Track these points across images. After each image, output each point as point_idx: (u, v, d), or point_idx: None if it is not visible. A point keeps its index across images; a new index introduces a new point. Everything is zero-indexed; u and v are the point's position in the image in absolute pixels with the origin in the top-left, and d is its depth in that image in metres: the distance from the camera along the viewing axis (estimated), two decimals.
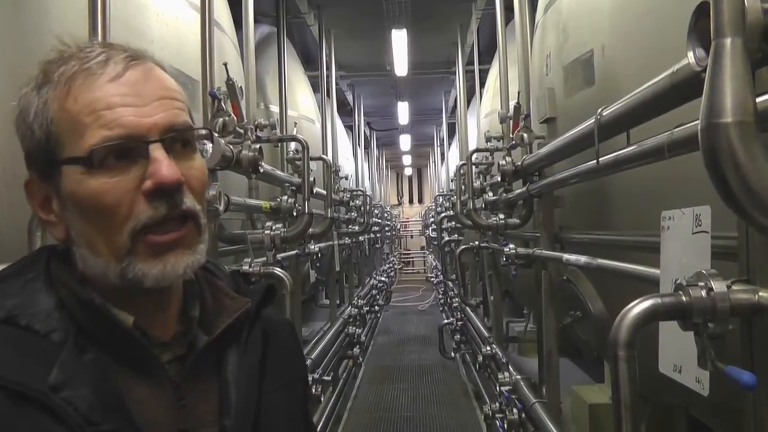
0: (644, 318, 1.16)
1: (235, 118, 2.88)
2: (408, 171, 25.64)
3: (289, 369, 1.12)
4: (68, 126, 0.89)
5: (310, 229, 3.87)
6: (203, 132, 0.97)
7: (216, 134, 2.68)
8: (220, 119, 2.80)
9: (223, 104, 2.83)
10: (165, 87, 0.93)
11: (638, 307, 1.17)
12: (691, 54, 1.14)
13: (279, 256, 3.43)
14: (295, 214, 3.56)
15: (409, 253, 24.96)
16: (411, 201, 26.18)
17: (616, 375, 1.14)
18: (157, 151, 0.88)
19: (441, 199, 11.32)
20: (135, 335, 0.91)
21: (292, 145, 4.58)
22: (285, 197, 3.64)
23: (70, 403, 0.82)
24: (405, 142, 17.69)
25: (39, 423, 0.80)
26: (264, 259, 3.15)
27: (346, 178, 8.66)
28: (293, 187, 3.85)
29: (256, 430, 0.97)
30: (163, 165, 0.87)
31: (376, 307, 11.97)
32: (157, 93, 0.91)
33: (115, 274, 0.89)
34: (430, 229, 15.38)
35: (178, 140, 0.93)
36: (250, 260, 2.86)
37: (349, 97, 11.67)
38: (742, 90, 0.91)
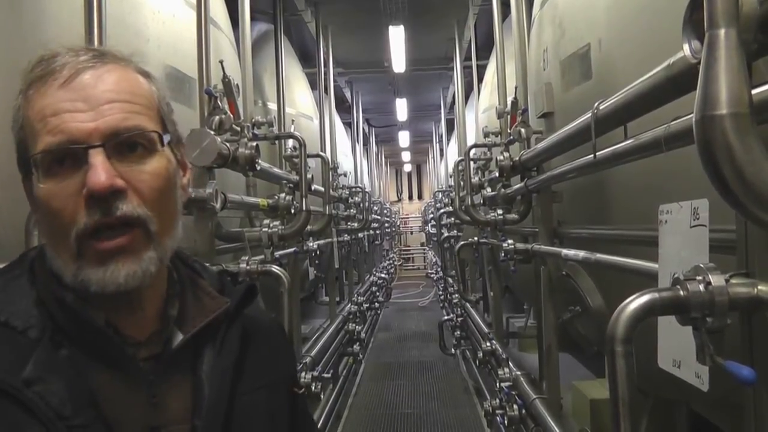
0: (641, 313, 1.15)
1: (231, 115, 2.87)
2: (407, 167, 25.61)
3: (272, 369, 1.12)
4: (29, 131, 0.92)
5: (309, 227, 3.87)
6: (152, 135, 0.95)
7: (212, 132, 2.67)
8: (217, 117, 2.80)
9: (219, 102, 2.83)
10: (118, 90, 0.93)
11: (635, 302, 1.16)
12: (686, 46, 1.14)
13: (277, 253, 3.43)
14: (292, 211, 3.55)
15: (408, 250, 24.95)
16: (410, 197, 26.16)
17: (613, 371, 1.13)
18: (94, 157, 0.88)
19: (440, 195, 11.31)
20: (107, 333, 0.93)
21: (290, 142, 4.57)
22: (282, 194, 3.63)
23: (42, 397, 0.84)
24: (404, 138, 17.68)
25: (12, 416, 0.83)
26: (262, 256, 3.15)
27: (345, 175, 8.65)
28: (291, 185, 3.84)
29: (228, 429, 0.98)
30: (97, 171, 0.87)
31: (376, 303, 11.97)
32: (105, 96, 0.92)
33: (70, 276, 0.91)
34: (429, 225, 15.36)
35: (126, 144, 0.92)
36: (247, 258, 2.85)
37: (348, 94, 11.65)
38: (736, 81, 0.90)
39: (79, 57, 0.93)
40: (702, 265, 1.17)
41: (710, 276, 1.14)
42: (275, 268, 2.84)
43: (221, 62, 2.95)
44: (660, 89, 1.47)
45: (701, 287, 1.14)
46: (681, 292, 1.14)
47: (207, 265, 1.16)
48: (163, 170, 0.96)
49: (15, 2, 2.04)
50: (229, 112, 2.86)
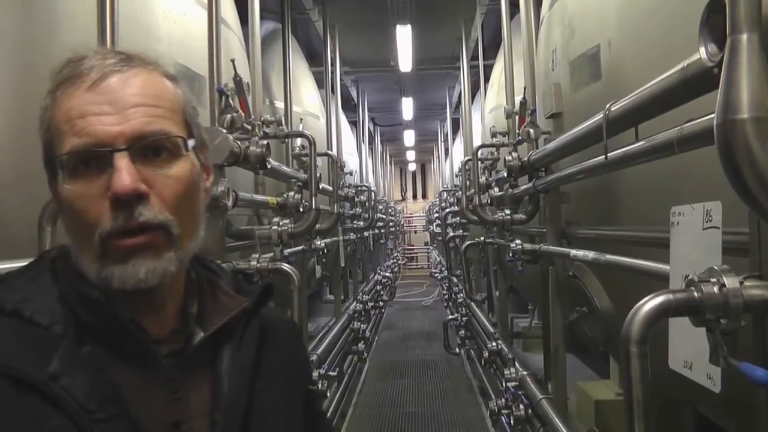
0: (656, 314, 1.15)
1: (242, 114, 2.88)
2: (412, 166, 25.61)
3: (288, 367, 1.13)
4: (55, 132, 0.93)
5: (317, 225, 3.88)
6: (177, 140, 0.96)
7: (224, 130, 2.69)
8: (228, 115, 2.81)
9: (230, 101, 2.84)
10: (144, 94, 0.94)
11: (650, 303, 1.17)
12: (702, 49, 1.14)
13: (286, 251, 3.44)
14: (301, 209, 3.56)
15: (412, 249, 24.95)
16: (415, 196, 26.15)
17: (628, 372, 1.14)
18: (119, 160, 0.89)
19: (445, 195, 11.31)
20: (131, 329, 0.94)
21: (298, 140, 4.58)
22: (291, 193, 3.64)
23: (67, 391, 0.85)
24: (409, 137, 17.67)
25: (39, 410, 0.84)
26: (271, 254, 3.16)
27: (351, 174, 8.66)
28: (299, 183, 3.85)
29: (248, 424, 0.99)
30: (122, 174, 0.88)
31: (381, 302, 11.98)
32: (132, 100, 0.92)
33: (94, 274, 0.92)
34: (434, 224, 15.36)
35: (151, 148, 0.93)
36: (257, 256, 2.86)
37: (354, 93, 11.66)
38: (758, 86, 0.91)
39: (106, 60, 0.94)
40: (716, 267, 1.18)
41: (724, 278, 1.15)
42: (285, 266, 2.85)
43: (233, 61, 2.96)
44: (674, 91, 1.48)
45: (715, 289, 1.15)
46: (695, 294, 1.15)
47: (223, 265, 1.17)
48: (187, 174, 0.96)
49: (29, 4, 2.05)
50: (240, 110, 2.87)
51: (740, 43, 0.92)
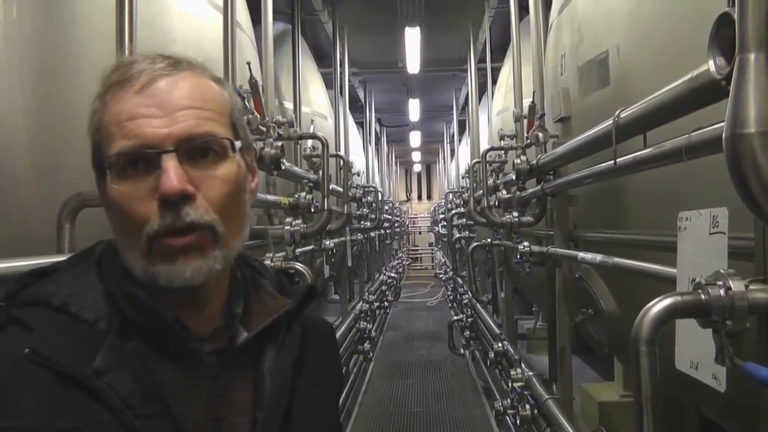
0: (665, 315, 1.20)
1: (258, 116, 2.92)
2: (417, 167, 25.63)
3: (325, 369, 1.15)
4: (104, 134, 0.95)
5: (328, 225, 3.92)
6: (224, 141, 0.97)
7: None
8: (244, 117, 2.84)
9: (246, 102, 2.87)
10: (191, 97, 0.95)
11: (659, 304, 1.21)
12: (711, 62, 1.19)
13: (297, 251, 3.48)
14: (312, 210, 3.61)
15: (417, 250, 24.97)
16: (420, 197, 26.18)
17: (638, 371, 1.18)
18: (167, 162, 0.91)
19: (451, 196, 11.33)
20: (174, 327, 0.96)
21: (309, 141, 4.62)
22: (303, 193, 3.68)
23: (111, 387, 0.87)
24: (415, 138, 17.68)
25: (84, 404, 0.86)
26: (283, 254, 3.20)
27: (359, 175, 8.70)
28: (310, 184, 3.89)
29: (287, 423, 1.01)
30: (170, 175, 0.90)
31: (386, 302, 12.01)
32: (179, 103, 0.94)
33: (140, 271, 0.93)
34: (439, 225, 15.39)
35: (198, 149, 0.95)
36: (272, 255, 2.90)
37: (361, 94, 11.69)
38: (765, 103, 0.96)
39: (155, 65, 0.96)
40: (722, 271, 1.22)
41: (730, 281, 1.19)
42: (299, 266, 2.88)
43: (248, 64, 3.00)
44: (682, 100, 1.51)
45: (722, 292, 1.19)
46: (702, 296, 1.19)
47: (266, 264, 1.19)
48: (233, 175, 0.98)
49: (49, 4, 2.09)
50: (255, 112, 2.91)
51: (748, 62, 0.97)
